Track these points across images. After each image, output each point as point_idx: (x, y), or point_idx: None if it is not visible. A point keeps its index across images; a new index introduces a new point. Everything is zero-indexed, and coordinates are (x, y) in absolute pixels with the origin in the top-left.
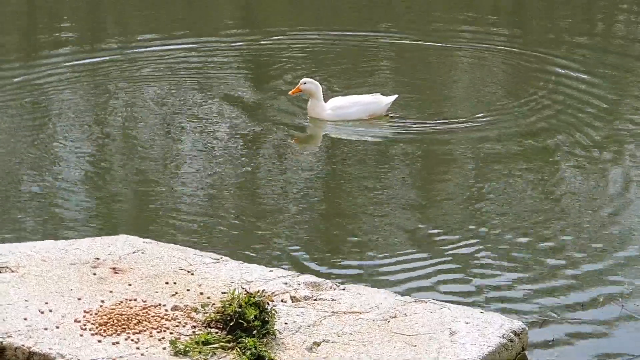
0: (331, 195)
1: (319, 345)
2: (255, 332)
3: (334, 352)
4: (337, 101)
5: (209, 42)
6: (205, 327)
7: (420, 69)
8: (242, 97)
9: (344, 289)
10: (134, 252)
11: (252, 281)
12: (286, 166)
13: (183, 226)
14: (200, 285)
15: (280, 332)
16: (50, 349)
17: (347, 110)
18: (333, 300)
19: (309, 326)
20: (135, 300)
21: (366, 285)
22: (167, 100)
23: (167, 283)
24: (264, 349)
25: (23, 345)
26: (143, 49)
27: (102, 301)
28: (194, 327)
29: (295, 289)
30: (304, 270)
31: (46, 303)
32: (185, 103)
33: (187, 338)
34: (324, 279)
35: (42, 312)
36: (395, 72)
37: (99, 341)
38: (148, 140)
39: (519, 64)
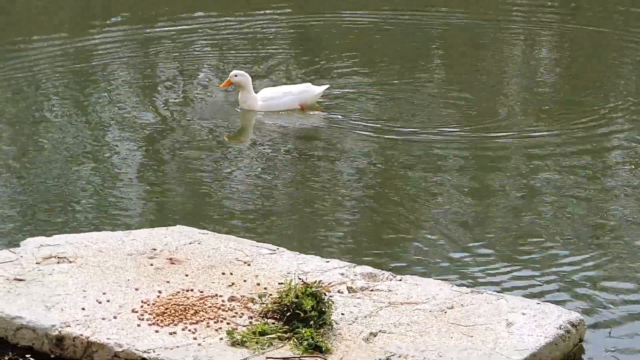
0: (386, 185)
1: (375, 336)
2: (312, 322)
3: (390, 343)
4: (268, 92)
5: (255, 19)
6: (262, 317)
7: (465, 53)
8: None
9: (400, 280)
10: (190, 243)
11: (308, 272)
12: (337, 157)
13: (239, 217)
14: (256, 275)
15: (337, 323)
16: (108, 338)
17: (279, 100)
18: (389, 290)
19: (366, 317)
20: (192, 290)
21: (422, 276)
22: (217, 83)
23: (223, 274)
24: (320, 339)
25: (81, 335)
26: (192, 26)
27: (159, 291)
28: (251, 317)
29: (351, 280)
30: (360, 261)
31: (104, 293)
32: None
33: (244, 328)
34: (380, 270)
35: (100, 302)
36: (443, 59)
37: (156, 331)
38: (201, 128)
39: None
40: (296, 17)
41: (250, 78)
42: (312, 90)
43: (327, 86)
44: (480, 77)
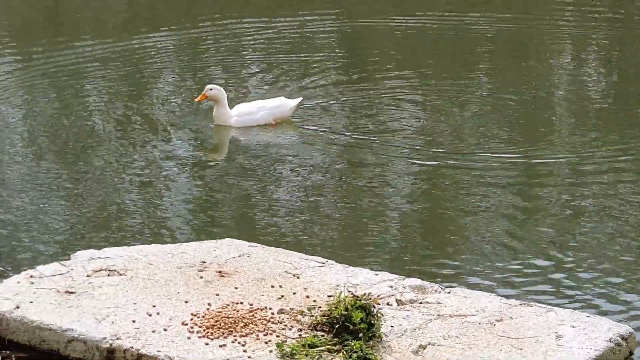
0: (434, 198)
1: (424, 349)
2: (361, 335)
3: (440, 355)
4: (243, 107)
5: (300, 23)
6: (312, 330)
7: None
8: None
9: (449, 292)
10: (239, 256)
11: (358, 284)
12: (383, 170)
13: (287, 230)
14: (306, 288)
15: (386, 335)
16: (158, 351)
17: (254, 115)
18: (438, 303)
19: (415, 329)
20: (241, 303)
21: (471, 289)
22: (266, 88)
23: (273, 286)
24: (370, 351)
25: (132, 348)
26: (240, 27)
27: (209, 304)
28: (300, 330)
29: (400, 292)
30: (409, 273)
31: (154, 306)
32: (286, 94)
33: (294, 341)
34: (429, 282)
35: (150, 315)
36: (488, 68)
37: (206, 344)
38: (248, 140)
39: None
40: (341, 22)
41: (225, 93)
42: (286, 104)
43: (301, 99)
44: (527, 87)
